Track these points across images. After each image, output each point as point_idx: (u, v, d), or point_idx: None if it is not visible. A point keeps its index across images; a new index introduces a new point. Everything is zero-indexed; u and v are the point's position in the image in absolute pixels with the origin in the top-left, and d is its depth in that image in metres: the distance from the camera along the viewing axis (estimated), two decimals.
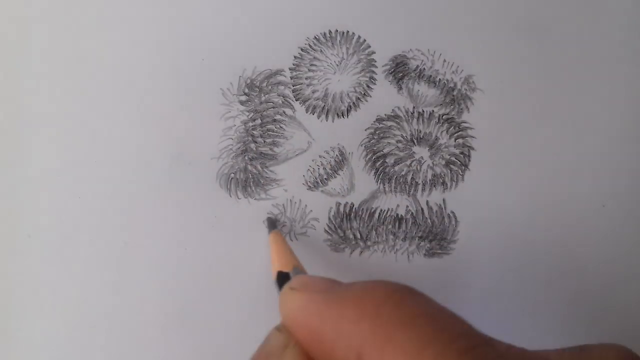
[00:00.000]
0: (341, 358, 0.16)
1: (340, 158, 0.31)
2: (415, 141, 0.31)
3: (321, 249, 0.32)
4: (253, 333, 0.32)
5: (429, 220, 0.31)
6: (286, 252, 0.28)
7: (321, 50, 0.31)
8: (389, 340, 0.15)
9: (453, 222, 0.31)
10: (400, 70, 0.31)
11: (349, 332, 0.16)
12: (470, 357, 0.14)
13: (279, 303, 0.21)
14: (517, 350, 0.17)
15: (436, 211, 0.31)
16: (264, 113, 0.31)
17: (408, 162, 0.31)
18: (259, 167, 0.31)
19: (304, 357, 0.17)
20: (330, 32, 0.31)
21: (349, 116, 0.31)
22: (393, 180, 0.31)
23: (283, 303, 0.20)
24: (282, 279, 0.25)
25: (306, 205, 0.31)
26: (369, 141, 0.31)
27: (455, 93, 0.31)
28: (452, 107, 0.31)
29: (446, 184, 0.31)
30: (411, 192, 0.31)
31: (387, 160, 0.31)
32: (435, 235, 0.31)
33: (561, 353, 0.20)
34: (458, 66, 0.31)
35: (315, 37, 0.31)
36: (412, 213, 0.31)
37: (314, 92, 0.31)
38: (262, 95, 0.31)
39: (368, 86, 0.31)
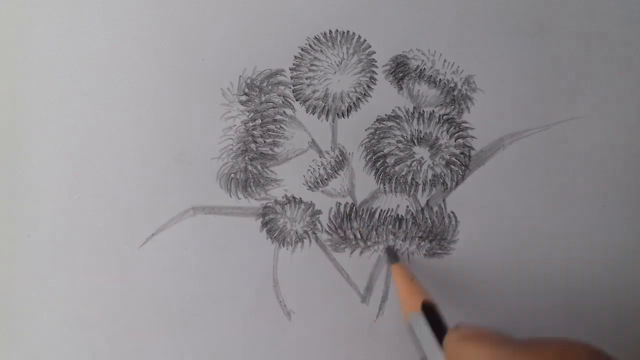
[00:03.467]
0: None
1: (340, 158, 0.31)
2: (415, 141, 0.31)
3: (321, 249, 0.32)
4: (253, 332, 0.32)
5: (429, 221, 0.31)
6: (416, 288, 0.28)
7: (321, 50, 0.31)
8: None
9: (453, 222, 0.31)
10: (400, 70, 0.31)
11: None
12: None
13: (449, 352, 0.21)
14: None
15: (436, 211, 0.31)
16: (264, 113, 0.31)
17: (408, 162, 0.31)
18: (259, 167, 0.31)
19: None
20: (330, 32, 0.31)
21: (349, 116, 0.31)
22: (393, 181, 0.31)
23: (457, 354, 0.20)
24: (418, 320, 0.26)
25: (306, 205, 0.31)
26: (369, 141, 0.31)
27: (455, 93, 0.31)
28: (452, 107, 0.31)
29: (446, 184, 0.31)
30: (411, 193, 0.31)
31: (387, 161, 0.31)
32: (436, 235, 0.31)
33: (523, 341, 0.21)
34: (458, 66, 0.31)
35: (316, 37, 0.31)
36: (412, 213, 0.31)
37: (314, 92, 0.31)
38: (263, 95, 0.31)
39: (368, 86, 0.31)
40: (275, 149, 0.31)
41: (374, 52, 0.31)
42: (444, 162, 0.31)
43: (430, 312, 0.26)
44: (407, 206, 0.31)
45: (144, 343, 0.31)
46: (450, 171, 0.31)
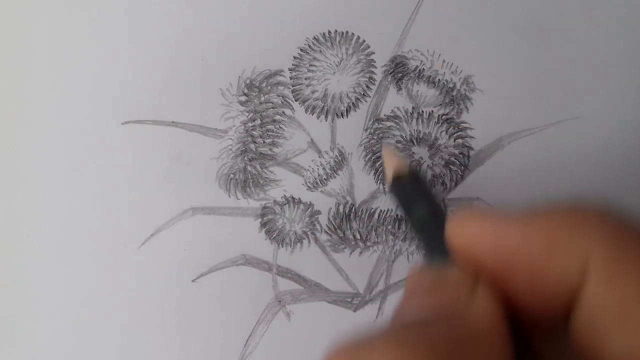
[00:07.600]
0: (555, 279, 0.13)
1: (339, 158, 0.31)
2: (414, 141, 0.31)
3: (321, 249, 0.32)
4: (252, 332, 0.32)
5: None
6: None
7: (320, 51, 0.31)
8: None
9: None
10: (399, 70, 0.31)
11: (570, 244, 0.13)
12: None
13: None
14: None
15: None
16: (264, 113, 0.31)
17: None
18: (258, 167, 0.31)
19: (497, 296, 0.13)
20: (329, 32, 0.31)
21: (348, 116, 0.31)
22: None
23: (456, 230, 0.15)
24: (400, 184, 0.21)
25: (305, 206, 0.31)
26: (369, 141, 0.31)
27: (454, 93, 0.31)
28: (451, 107, 0.31)
29: (446, 184, 0.31)
30: None
31: None
32: None
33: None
34: (457, 66, 0.31)
35: (315, 38, 0.31)
36: None
37: (313, 92, 0.31)
38: (262, 95, 0.31)
39: (367, 86, 0.31)
40: (275, 149, 0.31)
41: (373, 53, 0.31)
42: (443, 162, 0.31)
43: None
44: None
45: (142, 344, 0.31)
46: (450, 171, 0.31)
